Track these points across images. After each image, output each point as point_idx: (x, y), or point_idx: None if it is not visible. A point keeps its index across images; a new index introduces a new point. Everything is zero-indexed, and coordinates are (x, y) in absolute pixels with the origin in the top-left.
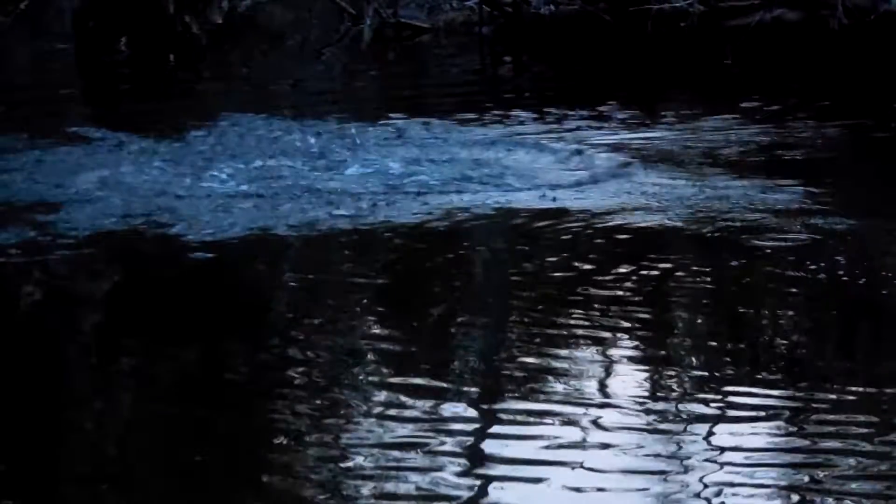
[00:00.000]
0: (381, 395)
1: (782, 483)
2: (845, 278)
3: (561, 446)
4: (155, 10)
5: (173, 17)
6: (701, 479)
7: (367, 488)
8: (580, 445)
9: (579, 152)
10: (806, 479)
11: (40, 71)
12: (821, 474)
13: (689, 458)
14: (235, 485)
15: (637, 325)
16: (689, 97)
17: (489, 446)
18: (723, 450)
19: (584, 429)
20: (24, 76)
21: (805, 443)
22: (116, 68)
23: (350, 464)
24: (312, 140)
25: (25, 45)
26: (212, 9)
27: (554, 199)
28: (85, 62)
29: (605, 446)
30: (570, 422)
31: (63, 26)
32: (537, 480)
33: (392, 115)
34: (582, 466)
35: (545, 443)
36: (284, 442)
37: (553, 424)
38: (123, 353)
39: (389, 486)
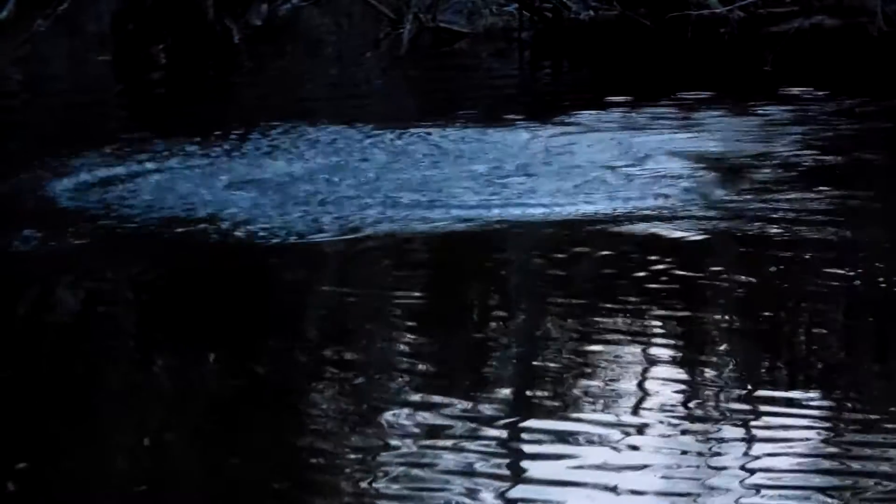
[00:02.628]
0: (413, 412)
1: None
2: (884, 285)
3: (594, 466)
4: (194, 13)
5: (212, 21)
6: (735, 501)
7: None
8: (613, 466)
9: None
10: (840, 499)
11: (79, 73)
12: (855, 494)
13: (722, 477)
14: (268, 494)
15: (672, 338)
16: (728, 101)
17: (522, 464)
18: (756, 471)
19: (616, 448)
20: (63, 79)
21: (839, 463)
22: (155, 71)
23: (381, 479)
24: (353, 145)
25: (64, 48)
26: (251, 12)
27: None
28: (124, 65)
29: (639, 467)
30: (603, 441)
31: (102, 29)
32: (569, 500)
33: (424, 120)
34: (614, 487)
35: (578, 462)
36: (317, 452)
37: (586, 443)
38: (158, 357)
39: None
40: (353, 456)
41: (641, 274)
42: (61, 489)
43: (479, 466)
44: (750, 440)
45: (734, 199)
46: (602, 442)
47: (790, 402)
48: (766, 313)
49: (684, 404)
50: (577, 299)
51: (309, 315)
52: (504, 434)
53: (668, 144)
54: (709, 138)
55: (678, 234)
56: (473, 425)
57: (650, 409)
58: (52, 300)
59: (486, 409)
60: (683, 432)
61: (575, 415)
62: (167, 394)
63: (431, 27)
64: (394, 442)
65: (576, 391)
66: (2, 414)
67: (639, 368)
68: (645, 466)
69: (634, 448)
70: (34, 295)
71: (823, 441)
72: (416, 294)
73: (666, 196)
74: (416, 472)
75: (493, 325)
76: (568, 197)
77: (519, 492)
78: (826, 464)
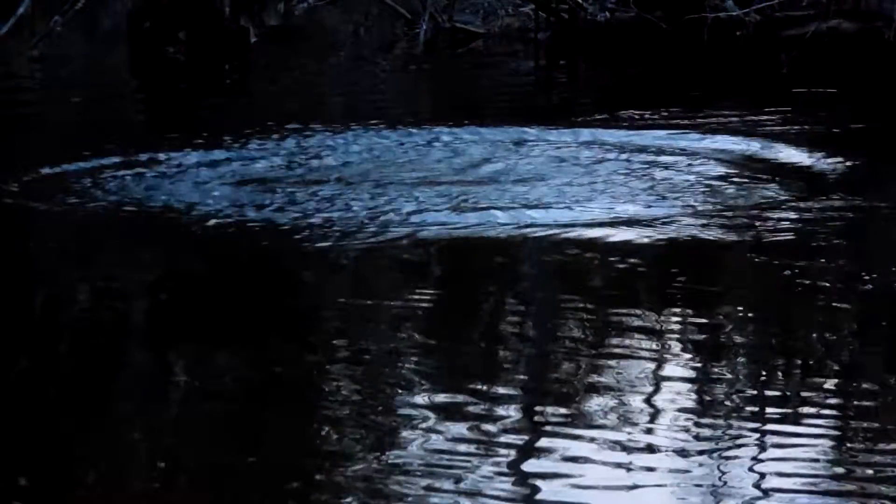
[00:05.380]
0: (423, 422)
1: None
2: None
3: (603, 486)
4: (210, 12)
5: (229, 19)
6: None
7: None
8: (622, 484)
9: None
10: None
11: (95, 71)
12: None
13: (733, 494)
14: (281, 494)
15: (684, 349)
16: (744, 104)
17: (531, 482)
18: (769, 489)
19: (626, 467)
20: (79, 76)
21: (854, 484)
22: (171, 69)
23: (387, 497)
24: (367, 144)
25: (80, 46)
26: (267, 12)
27: None
28: (140, 63)
29: (649, 484)
30: (612, 457)
31: (118, 27)
32: None
33: (441, 120)
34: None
35: (587, 480)
36: (330, 454)
37: (595, 460)
38: (172, 354)
39: None
40: (360, 472)
41: (655, 282)
42: (74, 485)
43: (489, 482)
44: (762, 458)
45: (749, 204)
46: (612, 458)
47: (803, 417)
48: (779, 322)
49: (696, 419)
50: (590, 308)
51: (324, 316)
52: (513, 452)
53: (687, 148)
54: (725, 142)
55: (693, 239)
56: (483, 439)
57: (661, 425)
58: (68, 296)
59: (496, 424)
60: (694, 449)
61: (585, 431)
62: (181, 391)
63: (447, 27)
64: (401, 458)
65: (586, 406)
66: (16, 409)
67: (650, 380)
68: (656, 486)
69: (645, 468)
70: (50, 291)
71: (837, 458)
72: (432, 300)
73: (680, 201)
74: (426, 482)
75: (507, 334)
76: (585, 201)
77: (531, 497)
78: (839, 484)
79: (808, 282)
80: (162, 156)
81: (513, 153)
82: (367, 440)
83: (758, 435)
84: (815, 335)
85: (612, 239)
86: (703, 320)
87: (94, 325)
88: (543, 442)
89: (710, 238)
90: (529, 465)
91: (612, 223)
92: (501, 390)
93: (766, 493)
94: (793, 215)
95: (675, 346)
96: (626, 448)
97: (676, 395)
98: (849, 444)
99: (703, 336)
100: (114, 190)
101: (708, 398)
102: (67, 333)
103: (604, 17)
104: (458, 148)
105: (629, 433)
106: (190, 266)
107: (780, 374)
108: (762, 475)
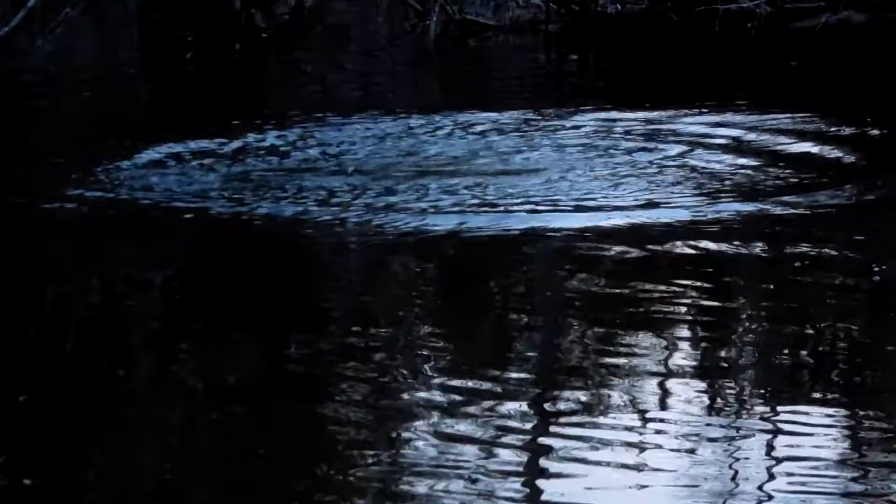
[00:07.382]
0: (436, 413)
1: None
2: None
3: (611, 486)
4: (221, 2)
5: (239, 11)
6: None
7: None
8: (631, 484)
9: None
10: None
11: (106, 63)
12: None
13: (743, 492)
14: (294, 479)
15: (695, 338)
16: (755, 98)
17: (538, 483)
18: (778, 482)
19: (636, 468)
20: (91, 67)
21: (863, 479)
22: (182, 60)
23: (400, 482)
24: (375, 135)
25: (92, 37)
26: (278, 3)
27: None
28: (151, 54)
29: (658, 483)
30: (622, 456)
31: (129, 18)
32: None
33: (451, 112)
34: (636, 488)
35: (595, 481)
36: (341, 441)
37: (603, 459)
38: (184, 344)
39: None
40: (370, 465)
41: (663, 274)
42: (86, 477)
43: (498, 472)
44: (771, 452)
45: (757, 200)
46: (622, 455)
47: (813, 412)
48: (789, 317)
49: (706, 416)
50: (599, 303)
51: (336, 309)
52: (522, 449)
53: (697, 144)
54: (733, 136)
55: (703, 235)
56: (493, 435)
57: (671, 422)
58: (82, 286)
59: (506, 420)
60: (705, 446)
61: (595, 431)
62: (193, 382)
63: (458, 19)
64: (411, 455)
65: (597, 403)
66: (25, 400)
67: (659, 378)
68: (665, 483)
69: (655, 466)
70: (64, 281)
71: (848, 456)
72: (443, 295)
73: (689, 197)
74: (435, 480)
75: (517, 329)
76: (597, 198)
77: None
78: (851, 482)
79: (818, 275)
80: (171, 148)
81: (527, 143)
82: (378, 433)
83: (768, 430)
84: (826, 331)
85: (622, 236)
86: (714, 318)
87: (103, 317)
88: (553, 439)
89: (722, 232)
90: (539, 463)
91: (622, 219)
92: (511, 387)
93: (778, 490)
94: (800, 208)
95: (686, 345)
96: (636, 445)
97: (687, 394)
98: (860, 443)
99: (714, 335)
100: (120, 182)
101: (718, 396)
102: (75, 328)
103: (615, 10)
104: (473, 138)
105: (639, 430)
106: (196, 259)
107: (790, 370)
108: (773, 469)
